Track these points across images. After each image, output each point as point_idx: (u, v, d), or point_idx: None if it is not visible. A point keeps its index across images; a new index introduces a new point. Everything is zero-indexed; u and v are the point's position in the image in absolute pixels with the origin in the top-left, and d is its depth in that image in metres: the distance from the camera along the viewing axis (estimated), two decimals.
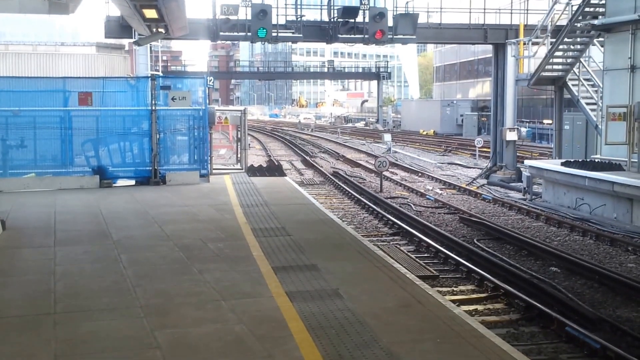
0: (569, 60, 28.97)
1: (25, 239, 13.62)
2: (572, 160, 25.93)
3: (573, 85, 28.94)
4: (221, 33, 33.56)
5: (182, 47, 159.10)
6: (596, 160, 24.97)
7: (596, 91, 28.43)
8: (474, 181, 33.14)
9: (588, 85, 29.11)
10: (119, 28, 31.75)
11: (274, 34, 32.58)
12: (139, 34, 30.03)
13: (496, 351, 7.65)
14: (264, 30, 31.14)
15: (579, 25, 26.97)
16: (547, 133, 53.09)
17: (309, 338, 7.99)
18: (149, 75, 23.68)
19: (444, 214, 23.81)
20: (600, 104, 26.66)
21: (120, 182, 21.41)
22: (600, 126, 25.92)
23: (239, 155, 27.04)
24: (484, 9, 36.23)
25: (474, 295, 13.88)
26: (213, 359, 7.43)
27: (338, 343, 7.83)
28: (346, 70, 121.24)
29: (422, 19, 34.39)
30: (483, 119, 67.01)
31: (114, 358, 7.44)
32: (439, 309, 9.13)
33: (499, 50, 35.14)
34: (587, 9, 26.81)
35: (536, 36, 30.59)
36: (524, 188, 28.28)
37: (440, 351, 7.67)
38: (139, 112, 21.50)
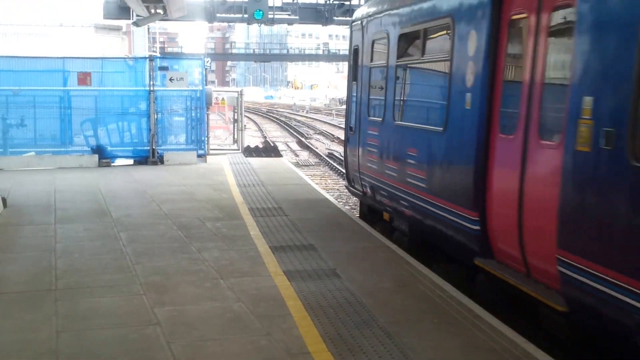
0: None
1: (26, 216, 13.70)
2: None
3: None
4: (218, 14, 33.66)
5: (179, 29, 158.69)
6: None
7: None
8: None
9: None
10: (118, 9, 31.79)
11: (270, 16, 32.66)
12: (137, 15, 30.08)
13: (493, 331, 7.71)
14: (261, 12, 31.22)
15: None
16: None
17: (307, 317, 8.06)
18: (147, 56, 23.71)
19: None
20: None
21: (119, 162, 21.61)
22: None
23: (235, 136, 27.15)
24: None
25: None
26: (212, 336, 7.48)
27: (336, 322, 7.90)
28: (341, 52, 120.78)
29: None
30: None
31: (115, 334, 7.51)
32: (436, 289, 9.22)
33: None
34: None
35: None
36: None
37: (437, 330, 7.73)
38: (137, 92, 21.61)
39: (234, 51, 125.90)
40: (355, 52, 14.89)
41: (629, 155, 6.33)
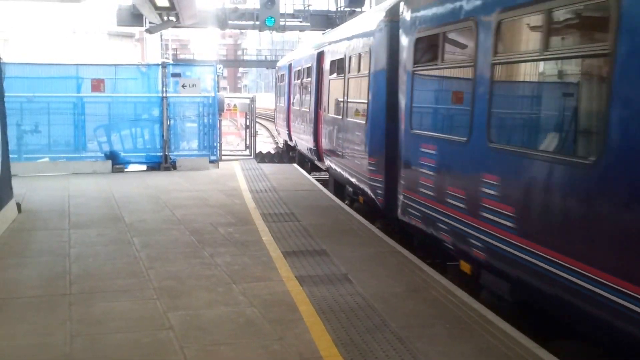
0: None
1: (40, 221, 13.74)
2: None
3: None
4: (230, 21, 33.76)
5: (191, 36, 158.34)
6: None
7: None
8: None
9: None
10: (131, 16, 31.94)
11: (281, 23, 32.72)
12: (150, 22, 30.19)
13: (505, 337, 7.71)
14: (272, 19, 31.25)
15: None
16: None
17: (319, 322, 8.08)
18: (160, 62, 23.80)
19: None
20: None
21: (132, 167, 21.72)
22: None
23: (247, 142, 27.21)
24: None
25: None
26: (225, 341, 7.50)
27: (348, 327, 7.92)
28: None
29: None
30: None
31: (128, 338, 7.53)
32: (448, 294, 9.22)
33: None
34: None
35: None
36: None
37: (449, 336, 7.72)
38: (150, 98, 21.71)
39: (246, 58, 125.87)
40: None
41: None
